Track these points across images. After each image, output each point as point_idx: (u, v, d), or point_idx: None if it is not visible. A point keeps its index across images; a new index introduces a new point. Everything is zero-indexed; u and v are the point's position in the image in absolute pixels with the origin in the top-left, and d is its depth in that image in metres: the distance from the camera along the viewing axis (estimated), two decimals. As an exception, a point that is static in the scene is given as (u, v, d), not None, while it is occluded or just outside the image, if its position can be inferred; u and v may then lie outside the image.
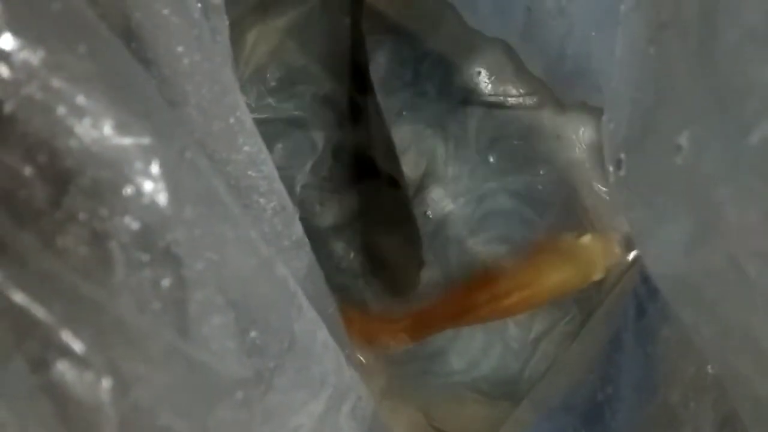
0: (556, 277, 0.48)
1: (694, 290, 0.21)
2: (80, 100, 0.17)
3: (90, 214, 0.17)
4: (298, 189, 0.51)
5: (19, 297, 0.16)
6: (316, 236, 0.49)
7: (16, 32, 0.16)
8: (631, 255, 0.50)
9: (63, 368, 0.17)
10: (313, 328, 0.28)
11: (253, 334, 0.22)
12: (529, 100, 0.53)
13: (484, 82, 0.53)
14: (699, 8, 0.18)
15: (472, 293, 0.48)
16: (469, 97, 0.52)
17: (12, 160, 0.17)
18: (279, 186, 0.30)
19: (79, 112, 0.17)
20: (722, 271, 0.19)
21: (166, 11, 0.23)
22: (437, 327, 0.48)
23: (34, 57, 0.16)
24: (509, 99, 0.53)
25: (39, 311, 0.17)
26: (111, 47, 0.19)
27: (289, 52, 0.52)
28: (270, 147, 0.28)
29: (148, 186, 0.18)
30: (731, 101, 0.16)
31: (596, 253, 0.49)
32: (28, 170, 0.17)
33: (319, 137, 0.52)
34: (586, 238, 0.49)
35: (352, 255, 0.50)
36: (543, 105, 0.52)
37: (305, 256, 0.34)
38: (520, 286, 0.48)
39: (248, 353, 0.22)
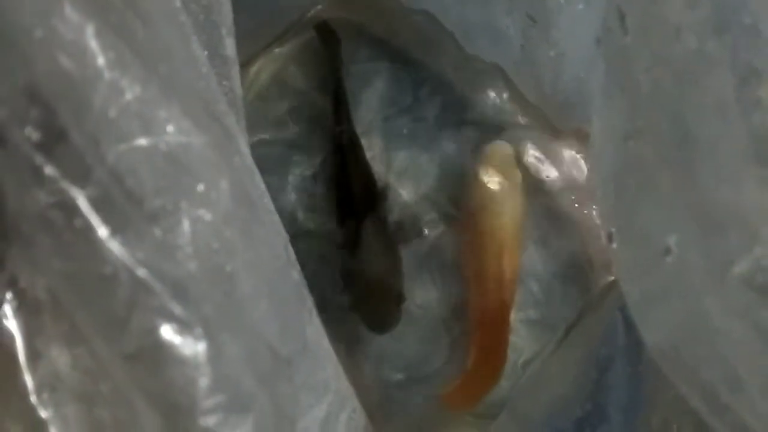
0: (493, 218, 0.50)
1: (687, 365, 0.21)
2: (163, 110, 0.20)
3: (174, 205, 0.20)
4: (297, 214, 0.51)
5: (141, 272, 0.19)
6: (309, 259, 0.49)
7: (112, 53, 0.19)
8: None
9: (169, 331, 0.20)
10: (320, 335, 0.30)
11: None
12: (524, 126, 0.53)
13: (482, 107, 0.53)
14: (673, 131, 0.19)
15: (489, 294, 0.49)
16: (466, 121, 0.53)
17: (119, 152, 0.19)
18: (275, 218, 0.31)
19: (164, 119, 0.20)
20: (713, 360, 0.20)
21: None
22: (501, 346, 0.50)
23: (127, 73, 0.19)
24: (505, 124, 0.53)
25: (156, 284, 0.20)
26: (181, 67, 0.22)
27: (290, 77, 0.53)
28: (268, 170, 0.29)
29: (216, 184, 0.21)
30: (713, 229, 0.17)
31: (498, 169, 0.50)
32: (129, 162, 0.20)
33: (315, 161, 0.52)
34: (483, 172, 0.50)
35: (341, 281, 0.50)
36: (538, 130, 0.53)
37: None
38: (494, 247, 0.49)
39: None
